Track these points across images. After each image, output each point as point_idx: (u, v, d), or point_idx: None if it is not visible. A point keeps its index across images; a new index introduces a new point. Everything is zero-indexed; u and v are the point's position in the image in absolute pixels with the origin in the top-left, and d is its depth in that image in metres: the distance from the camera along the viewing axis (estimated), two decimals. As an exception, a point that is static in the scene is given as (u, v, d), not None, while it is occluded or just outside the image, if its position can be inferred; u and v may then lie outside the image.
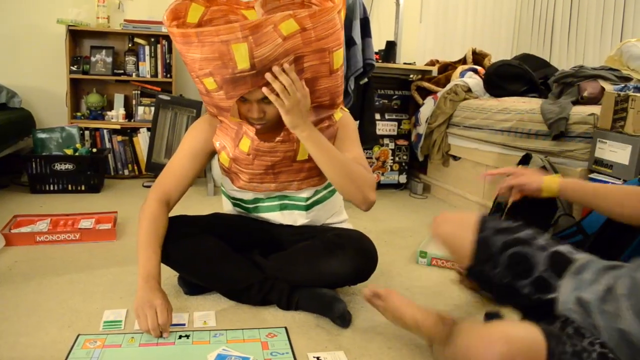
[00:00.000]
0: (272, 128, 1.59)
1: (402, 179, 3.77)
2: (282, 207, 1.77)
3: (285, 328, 1.54)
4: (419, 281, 1.99)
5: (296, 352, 1.41)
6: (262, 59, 1.39)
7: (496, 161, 2.91)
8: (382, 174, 3.70)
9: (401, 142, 3.72)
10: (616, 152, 2.14)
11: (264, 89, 1.43)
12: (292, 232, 1.79)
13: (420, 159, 3.65)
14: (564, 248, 1.27)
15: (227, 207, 1.90)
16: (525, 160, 2.49)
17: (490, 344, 1.09)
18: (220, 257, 1.68)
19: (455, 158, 3.40)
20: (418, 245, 2.30)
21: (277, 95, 1.42)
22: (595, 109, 2.32)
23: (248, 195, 1.76)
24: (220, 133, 1.66)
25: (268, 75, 1.41)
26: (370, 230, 2.63)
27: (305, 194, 1.75)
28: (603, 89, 2.52)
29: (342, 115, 1.71)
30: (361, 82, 2.92)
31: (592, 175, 2.26)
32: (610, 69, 2.75)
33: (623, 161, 2.11)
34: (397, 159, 3.73)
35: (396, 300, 1.46)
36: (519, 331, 1.11)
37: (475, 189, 3.18)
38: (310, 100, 1.50)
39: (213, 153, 1.72)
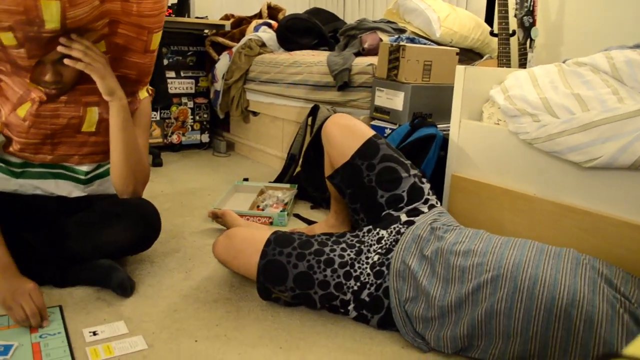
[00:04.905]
0: (65, 93, 1.44)
1: (205, 138, 3.67)
2: (56, 176, 1.60)
3: (60, 306, 1.41)
4: (211, 239, 1.96)
5: (71, 330, 1.30)
6: (76, 20, 1.26)
7: (291, 114, 2.96)
8: (183, 135, 3.57)
9: (200, 100, 3.61)
10: (392, 99, 2.29)
11: (68, 61, 1.32)
12: (64, 203, 1.63)
13: (221, 116, 3.58)
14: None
15: None
16: (313, 112, 2.56)
17: (218, 239, 1.51)
18: None
19: (254, 114, 3.39)
20: (214, 204, 2.27)
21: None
22: (374, 60, 2.45)
23: (15, 158, 1.55)
24: None
25: (61, 48, 1.30)
26: (168, 192, 2.54)
27: (85, 168, 1.61)
28: (381, 40, 2.66)
29: (146, 97, 1.63)
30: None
31: (373, 122, 2.40)
32: (389, 21, 2.91)
33: (398, 107, 2.26)
34: (197, 117, 3.61)
35: (231, 216, 1.97)
36: (245, 232, 1.48)
37: (274, 143, 3.21)
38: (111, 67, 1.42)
39: None
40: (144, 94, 1.63)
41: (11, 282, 1.31)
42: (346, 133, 1.56)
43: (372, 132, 1.57)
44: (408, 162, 1.55)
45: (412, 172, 1.52)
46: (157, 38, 1.47)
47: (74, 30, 1.31)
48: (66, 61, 1.33)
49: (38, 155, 1.53)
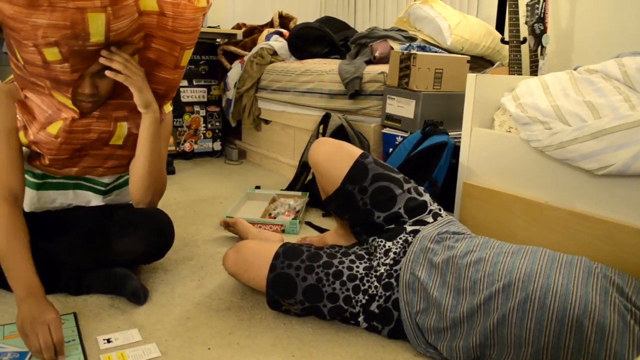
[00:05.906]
0: (98, 107, 1.46)
1: (217, 146, 3.70)
2: (76, 186, 1.62)
3: (74, 314, 1.43)
4: (223, 247, 1.97)
5: (85, 337, 1.32)
6: (118, 33, 1.29)
7: (302, 122, 2.98)
8: (196, 143, 3.60)
9: (212, 108, 3.64)
10: (403, 107, 2.30)
11: (109, 73, 1.35)
12: (82, 212, 1.65)
13: (233, 124, 3.61)
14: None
15: None
16: (325, 120, 2.57)
17: (228, 252, 1.50)
18: None
19: (266, 122, 3.41)
20: (226, 212, 2.28)
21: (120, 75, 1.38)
22: (385, 68, 2.46)
23: (37, 170, 1.57)
24: (22, 109, 1.43)
25: (102, 60, 1.33)
26: (180, 200, 2.56)
27: (106, 180, 1.63)
28: (392, 48, 2.67)
29: (170, 110, 1.66)
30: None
31: (384, 130, 2.41)
32: (399, 29, 2.92)
33: (409, 115, 2.27)
34: (209, 126, 3.64)
35: (242, 224, 1.98)
36: (254, 245, 1.48)
37: (286, 151, 3.23)
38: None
39: None
40: (169, 107, 1.66)
41: (34, 308, 1.24)
42: (332, 159, 1.51)
43: (358, 152, 1.52)
44: (400, 175, 1.50)
45: (406, 186, 1.48)
46: (188, 55, 1.48)
47: (115, 43, 1.33)
48: (107, 73, 1.35)
49: (64, 170, 1.55)
